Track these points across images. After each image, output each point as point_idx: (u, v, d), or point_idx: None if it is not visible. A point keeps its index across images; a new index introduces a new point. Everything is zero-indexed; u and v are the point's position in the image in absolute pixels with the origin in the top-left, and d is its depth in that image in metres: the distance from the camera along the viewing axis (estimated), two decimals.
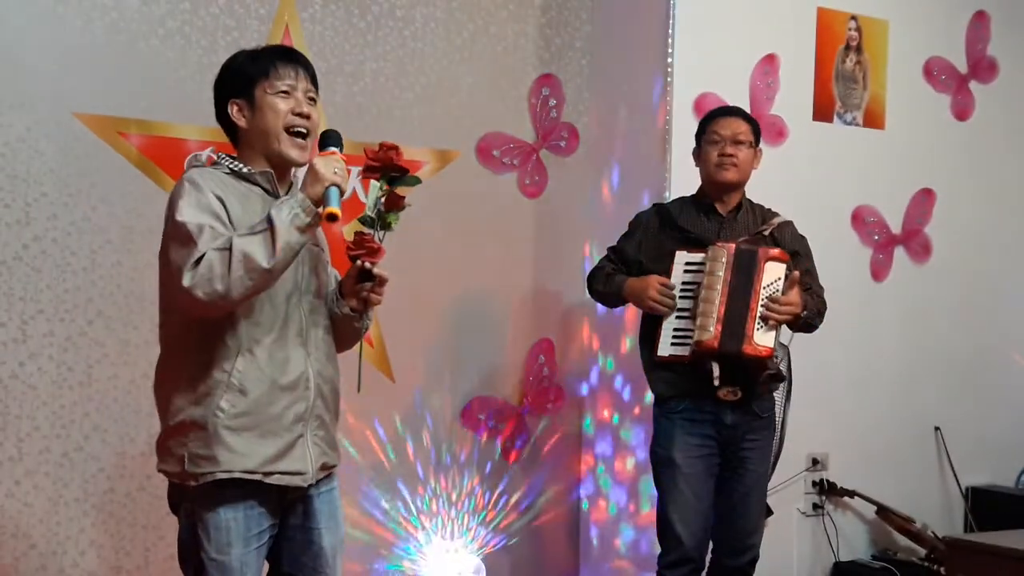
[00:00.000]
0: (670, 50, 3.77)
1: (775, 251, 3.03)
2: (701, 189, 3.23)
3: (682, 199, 3.28)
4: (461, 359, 3.86)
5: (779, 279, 2.99)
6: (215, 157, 2.26)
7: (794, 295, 3.01)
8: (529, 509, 3.99)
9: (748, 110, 3.89)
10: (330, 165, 2.13)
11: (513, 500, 3.96)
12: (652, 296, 3.02)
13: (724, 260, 2.98)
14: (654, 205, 3.31)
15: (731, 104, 3.53)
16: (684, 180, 3.49)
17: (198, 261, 2.05)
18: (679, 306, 3.02)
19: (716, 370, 2.97)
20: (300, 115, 2.22)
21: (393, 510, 3.73)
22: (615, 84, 4.04)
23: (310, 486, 2.26)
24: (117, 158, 3.26)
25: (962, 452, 4.35)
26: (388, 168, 2.25)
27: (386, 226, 2.26)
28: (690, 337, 2.99)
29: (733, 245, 3.01)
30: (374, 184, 2.26)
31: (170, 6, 3.35)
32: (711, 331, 2.93)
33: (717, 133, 3.13)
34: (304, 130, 2.23)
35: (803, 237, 3.25)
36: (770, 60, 3.98)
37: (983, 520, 4.26)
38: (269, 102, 2.21)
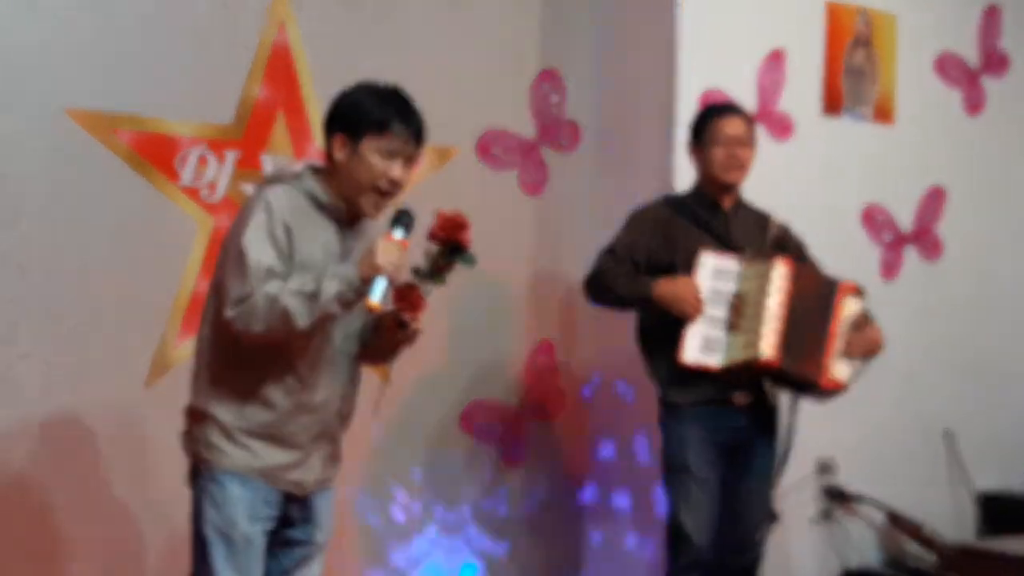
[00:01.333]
0: (675, 44, 3.73)
1: (852, 284, 3.05)
2: (699, 186, 3.21)
3: (679, 195, 3.28)
4: (460, 361, 3.82)
5: (856, 314, 3.04)
6: (300, 172, 2.35)
7: (876, 331, 3.07)
8: (529, 512, 3.95)
9: (756, 105, 3.88)
10: (390, 254, 2.21)
11: (513, 503, 3.92)
12: (689, 300, 2.96)
13: (782, 276, 2.95)
14: (660, 198, 3.28)
15: (737, 100, 3.52)
16: (689, 177, 3.44)
17: (244, 298, 2.19)
18: (707, 312, 2.98)
19: (768, 386, 3.00)
20: (391, 181, 2.30)
21: (392, 513, 3.69)
22: (618, 79, 4.00)
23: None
24: (109, 155, 3.22)
25: (973, 456, 4.31)
26: (452, 243, 2.33)
27: (438, 282, 2.35)
28: (719, 346, 2.96)
29: (791, 263, 3.00)
30: (433, 247, 2.33)
31: (163, 0, 3.30)
32: (771, 347, 2.90)
33: (723, 133, 3.12)
34: (388, 192, 2.32)
35: (802, 242, 3.26)
36: (778, 55, 3.95)
37: (995, 526, 4.23)
38: (369, 158, 2.28)
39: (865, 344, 3.03)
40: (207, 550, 2.29)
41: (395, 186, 2.30)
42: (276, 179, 2.33)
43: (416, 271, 2.32)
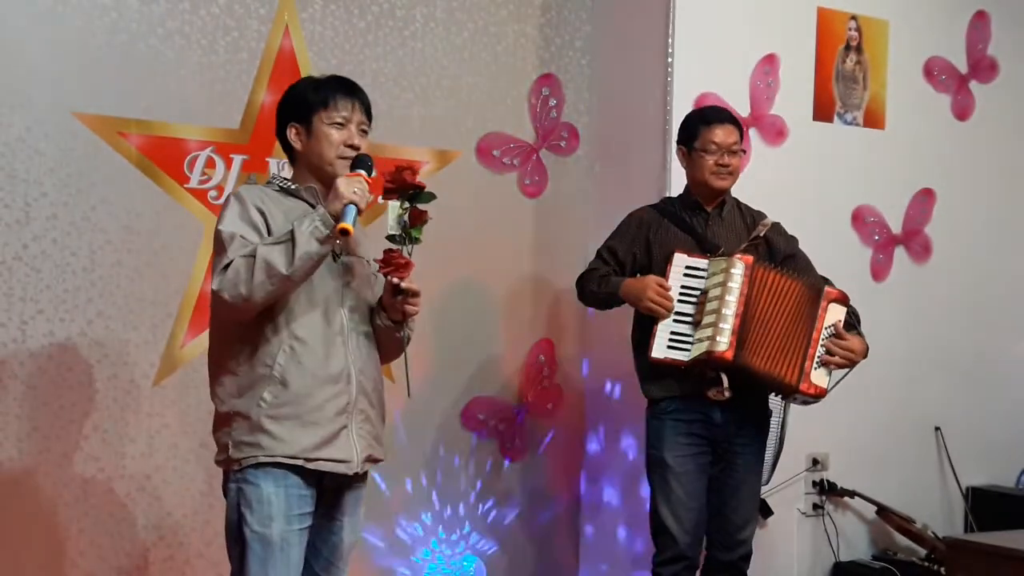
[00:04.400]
0: (670, 50, 3.77)
1: (837, 292, 3.09)
2: (688, 189, 3.26)
3: (670, 199, 3.33)
4: (461, 359, 3.86)
5: (839, 321, 3.07)
6: (268, 177, 2.49)
7: (856, 342, 3.08)
8: (529, 509, 3.99)
9: (748, 110, 3.91)
10: (351, 185, 2.30)
11: (513, 500, 3.96)
12: (651, 297, 3.02)
13: (740, 272, 2.99)
14: (647, 205, 3.32)
15: (730, 104, 3.54)
16: (684, 180, 3.48)
17: (227, 267, 2.25)
18: (677, 309, 3.02)
19: (726, 381, 3.00)
20: (351, 146, 2.41)
21: (392, 510, 3.73)
22: (615, 84, 4.04)
23: (346, 478, 2.39)
24: (117, 158, 3.26)
25: (962, 452, 4.35)
26: (405, 188, 2.40)
27: (413, 240, 2.41)
28: (687, 342, 3.00)
29: (750, 258, 3.03)
30: (393, 204, 2.41)
31: (169, 6, 3.35)
32: (725, 342, 2.94)
33: (713, 142, 3.16)
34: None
35: (793, 237, 3.28)
36: (770, 60, 3.98)
37: (983, 520, 4.26)
38: (324, 131, 2.40)
39: (845, 352, 3.06)
40: (245, 554, 2.29)
41: (356, 151, 2.40)
42: (246, 182, 2.48)
43: (390, 238, 2.40)
